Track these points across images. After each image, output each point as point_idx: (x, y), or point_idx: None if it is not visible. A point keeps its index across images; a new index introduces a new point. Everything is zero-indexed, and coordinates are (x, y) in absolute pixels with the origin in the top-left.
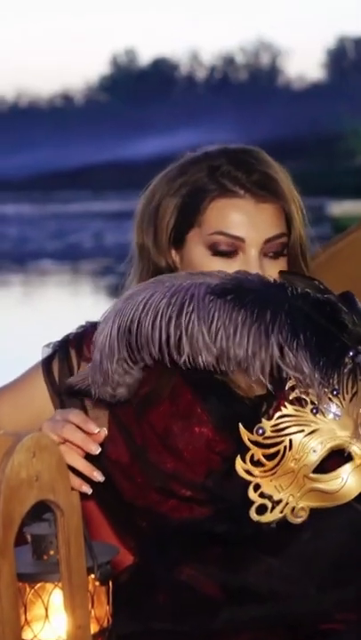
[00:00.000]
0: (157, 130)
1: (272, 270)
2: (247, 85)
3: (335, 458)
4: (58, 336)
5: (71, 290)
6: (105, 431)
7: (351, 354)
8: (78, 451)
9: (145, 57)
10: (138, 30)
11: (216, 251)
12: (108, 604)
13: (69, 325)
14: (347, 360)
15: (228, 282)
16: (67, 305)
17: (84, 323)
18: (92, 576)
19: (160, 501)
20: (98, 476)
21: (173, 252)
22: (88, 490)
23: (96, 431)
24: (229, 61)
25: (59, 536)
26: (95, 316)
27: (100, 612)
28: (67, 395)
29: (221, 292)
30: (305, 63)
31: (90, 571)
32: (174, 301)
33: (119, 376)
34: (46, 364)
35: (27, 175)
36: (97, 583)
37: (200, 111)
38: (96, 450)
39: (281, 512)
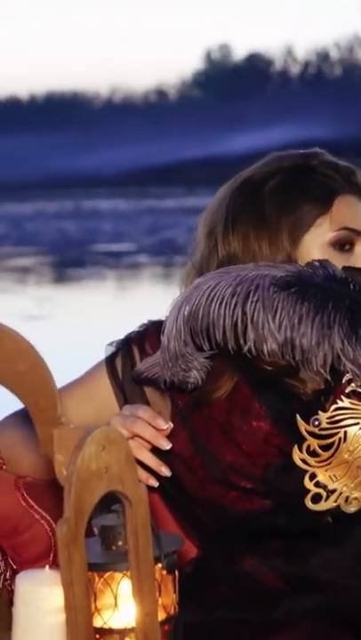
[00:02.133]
0: (251, 125)
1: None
2: (342, 81)
3: None
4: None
5: (165, 284)
6: (171, 425)
7: None
8: (147, 445)
9: (239, 52)
10: (232, 25)
11: (337, 246)
12: (175, 592)
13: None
14: None
15: (292, 275)
16: (161, 300)
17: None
18: (160, 565)
19: (221, 494)
20: (165, 471)
21: (289, 248)
22: (155, 483)
23: (165, 427)
24: (324, 57)
25: (127, 526)
26: None
27: (167, 600)
28: (134, 383)
29: (285, 284)
30: None
31: (157, 560)
32: (240, 290)
33: (188, 359)
34: (110, 361)
35: (121, 171)
36: (164, 572)
37: (294, 107)
38: (167, 445)
39: (335, 501)
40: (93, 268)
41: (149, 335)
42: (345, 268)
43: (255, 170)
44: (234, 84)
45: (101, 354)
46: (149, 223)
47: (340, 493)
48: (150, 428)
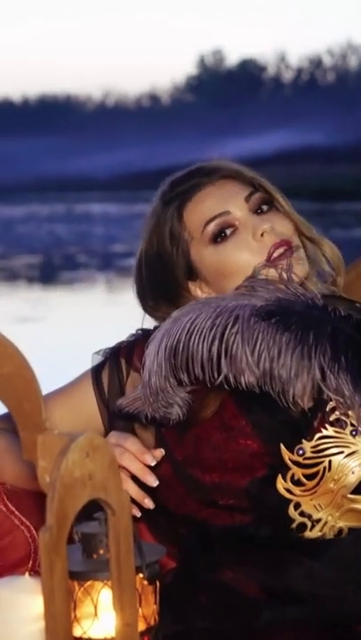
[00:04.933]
0: (243, 131)
1: (273, 219)
2: (335, 87)
3: None
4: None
5: None
6: (162, 452)
7: None
8: (130, 474)
9: (232, 58)
10: (225, 31)
11: (217, 237)
12: (155, 602)
13: (153, 326)
14: None
15: (272, 304)
16: None
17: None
18: (141, 575)
19: (201, 509)
20: (149, 504)
21: (194, 287)
22: (137, 513)
23: (152, 463)
24: (317, 63)
25: (109, 535)
26: None
27: (148, 610)
28: (116, 417)
29: (266, 314)
30: None
31: (138, 570)
32: (218, 322)
33: (169, 395)
34: (96, 372)
35: (113, 174)
36: (145, 582)
37: (287, 113)
38: (154, 482)
39: (320, 531)
40: (84, 271)
41: (138, 346)
42: (324, 297)
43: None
44: (227, 90)
45: (93, 357)
46: (140, 228)
47: (326, 522)
48: (137, 462)
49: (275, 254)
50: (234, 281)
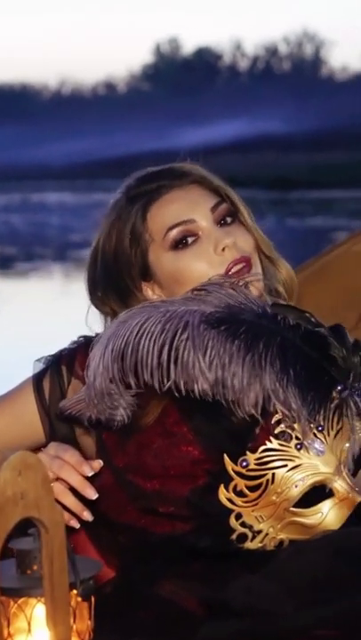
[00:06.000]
0: (200, 119)
1: (236, 233)
2: (290, 76)
3: (317, 491)
4: (98, 327)
5: None
6: (100, 463)
7: (339, 388)
8: (68, 487)
9: (188, 46)
10: (182, 19)
11: (177, 244)
12: (90, 619)
13: (95, 333)
14: (334, 395)
15: (221, 311)
16: None
17: (76, 338)
18: (75, 592)
19: (140, 517)
20: (87, 516)
21: (146, 287)
22: (76, 525)
23: (90, 474)
24: (273, 52)
25: (42, 552)
26: None
27: (82, 626)
28: (58, 419)
29: (216, 321)
30: (349, 54)
31: (72, 586)
32: (168, 327)
33: (114, 398)
34: (37, 380)
35: (69, 163)
36: (79, 599)
37: (243, 101)
38: (93, 495)
39: (261, 542)
40: (41, 262)
41: (80, 354)
42: (274, 305)
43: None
44: (183, 78)
45: (49, 349)
46: (97, 217)
47: (266, 534)
48: (76, 474)
49: (233, 269)
50: (187, 289)
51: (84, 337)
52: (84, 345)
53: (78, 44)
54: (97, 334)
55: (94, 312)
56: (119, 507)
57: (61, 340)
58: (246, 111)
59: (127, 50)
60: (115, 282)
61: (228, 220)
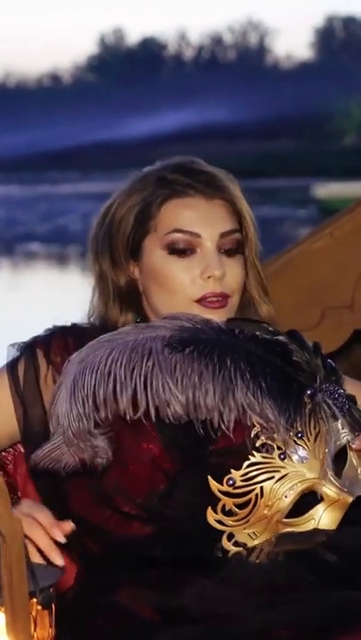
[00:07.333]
0: (146, 110)
1: (231, 267)
2: (235, 65)
3: (306, 499)
4: (46, 320)
5: (60, 273)
6: (71, 526)
7: (309, 392)
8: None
9: (133, 36)
10: (126, 10)
11: (174, 250)
12: (51, 626)
13: (58, 308)
14: (306, 400)
15: (180, 332)
16: (55, 288)
17: (55, 324)
18: (35, 600)
19: (105, 518)
20: (58, 561)
21: (132, 266)
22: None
23: (60, 539)
24: (217, 41)
25: (1, 562)
26: (84, 298)
27: (43, 634)
28: (35, 392)
29: (177, 343)
30: (293, 42)
31: (32, 595)
32: (134, 357)
33: (94, 435)
34: (11, 367)
35: (14, 156)
36: (39, 607)
37: (188, 91)
38: (60, 562)
39: (257, 558)
40: None
41: (55, 341)
42: (228, 321)
43: (116, 198)
44: (128, 69)
45: (8, 349)
46: (44, 210)
47: (261, 550)
48: (46, 537)
49: (208, 299)
50: (160, 292)
51: (56, 327)
52: (60, 332)
53: (22, 37)
54: (73, 324)
55: (48, 307)
56: (84, 503)
57: (10, 334)
58: (192, 101)
59: (72, 41)
60: (112, 245)
61: (232, 251)
